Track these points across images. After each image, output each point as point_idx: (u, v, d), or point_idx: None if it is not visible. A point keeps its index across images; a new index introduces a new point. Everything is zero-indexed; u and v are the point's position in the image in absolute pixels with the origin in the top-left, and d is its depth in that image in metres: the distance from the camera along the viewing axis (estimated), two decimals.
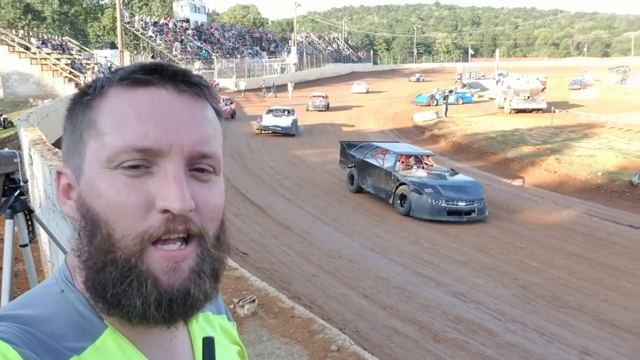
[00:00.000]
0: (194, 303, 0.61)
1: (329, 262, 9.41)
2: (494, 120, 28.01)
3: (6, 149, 3.05)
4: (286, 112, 25.66)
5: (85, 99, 0.64)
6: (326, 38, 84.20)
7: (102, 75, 0.67)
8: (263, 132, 24.42)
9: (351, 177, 15.17)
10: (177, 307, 0.60)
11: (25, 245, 2.72)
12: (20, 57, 30.05)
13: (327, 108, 34.00)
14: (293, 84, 43.70)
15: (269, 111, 25.87)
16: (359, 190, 14.71)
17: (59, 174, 0.68)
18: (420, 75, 62.47)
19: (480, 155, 20.86)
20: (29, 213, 2.73)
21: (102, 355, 0.60)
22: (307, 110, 32.88)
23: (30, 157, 5.84)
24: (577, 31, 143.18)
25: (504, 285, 8.80)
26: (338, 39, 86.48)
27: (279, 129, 24.14)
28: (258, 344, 3.74)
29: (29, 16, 45.82)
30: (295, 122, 24.88)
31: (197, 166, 0.62)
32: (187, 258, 0.61)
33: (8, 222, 2.65)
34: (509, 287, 8.69)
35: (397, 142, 19.57)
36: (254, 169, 17.59)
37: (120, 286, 0.58)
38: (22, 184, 2.68)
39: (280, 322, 4.02)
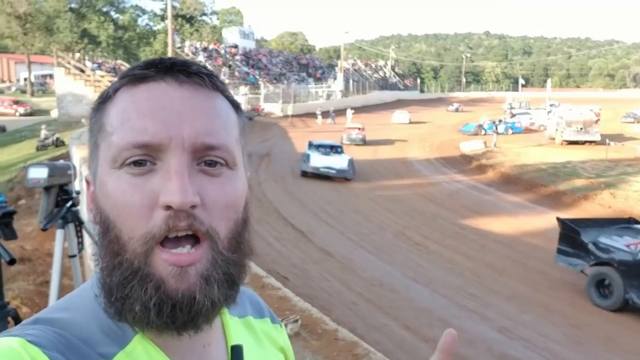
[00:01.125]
0: (200, 310, 0.57)
1: (370, 290, 9.20)
2: (545, 151, 27.25)
3: (61, 161, 3.12)
4: (336, 149, 21.82)
5: (97, 104, 0.64)
6: (373, 65, 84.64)
7: None
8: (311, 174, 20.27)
9: (604, 284, 9.24)
10: (181, 313, 0.57)
11: (74, 256, 2.76)
12: (75, 79, 31.49)
13: (364, 142, 29.77)
14: (353, 110, 42.55)
15: (314, 147, 21.70)
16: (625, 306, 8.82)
17: (87, 183, 0.67)
18: (459, 105, 60.34)
19: (529, 187, 20.24)
20: (79, 224, 2.75)
21: None
22: (341, 143, 26.85)
23: (81, 173, 6.01)
24: (634, 62, 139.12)
25: (554, 323, 8.37)
26: (384, 67, 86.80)
27: (333, 171, 19.98)
28: None
29: (85, 40, 48.08)
30: (351, 162, 20.75)
31: (207, 159, 0.59)
32: (194, 263, 0.57)
33: (59, 232, 2.68)
34: (559, 326, 8.26)
35: None
36: (297, 194, 17.60)
37: (123, 290, 0.57)
38: (74, 195, 2.71)
39: (324, 343, 3.91)
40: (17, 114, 41.33)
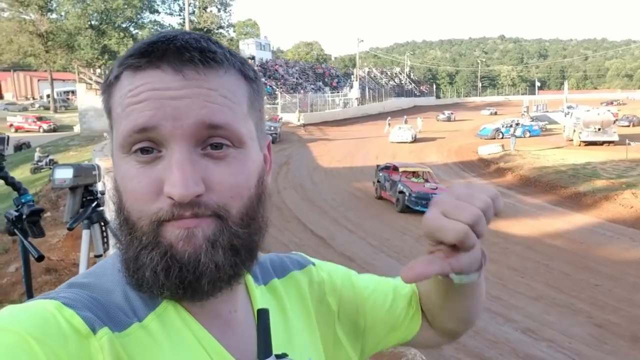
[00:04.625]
0: (204, 271, 0.59)
1: None
2: (563, 153, 27.03)
3: (86, 162, 3.18)
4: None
5: (105, 85, 0.65)
6: (388, 73, 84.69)
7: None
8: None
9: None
10: (187, 274, 0.59)
11: (99, 256, 2.81)
12: (96, 94, 32.08)
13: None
14: (422, 119, 42.62)
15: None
16: None
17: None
18: (451, 113, 55.74)
19: (549, 189, 20.09)
20: (104, 224, 2.83)
21: (164, 323, 0.61)
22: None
23: (104, 183, 6.19)
24: None
25: (579, 323, 8.33)
26: (400, 74, 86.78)
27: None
28: None
29: (106, 56, 48.84)
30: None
31: (211, 142, 0.60)
32: (200, 225, 0.59)
33: (85, 233, 2.73)
34: (584, 326, 8.22)
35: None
36: (317, 201, 17.70)
37: (137, 262, 0.60)
38: (99, 195, 2.80)
39: None
40: (41, 130, 42.12)
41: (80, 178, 2.68)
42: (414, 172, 18.34)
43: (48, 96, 56.87)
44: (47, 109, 54.72)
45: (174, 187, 0.57)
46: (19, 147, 33.40)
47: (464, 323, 0.91)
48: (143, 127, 0.58)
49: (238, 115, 0.62)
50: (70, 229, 2.69)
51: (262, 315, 0.66)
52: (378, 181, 18.73)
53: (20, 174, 24.45)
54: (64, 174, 2.63)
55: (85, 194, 2.74)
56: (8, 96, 66.91)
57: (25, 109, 54.78)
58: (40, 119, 44.60)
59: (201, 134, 0.59)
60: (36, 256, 2.26)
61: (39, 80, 66.53)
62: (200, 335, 0.63)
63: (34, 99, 65.24)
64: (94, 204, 2.77)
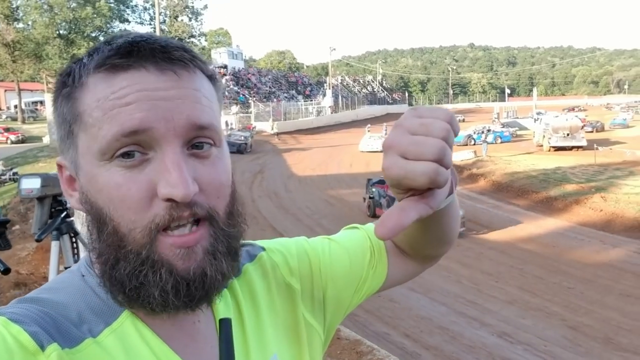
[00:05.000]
0: (212, 284, 0.59)
1: (368, 300, 9.09)
2: (534, 158, 27.52)
3: (54, 171, 3.08)
4: None
5: (65, 91, 0.60)
6: (361, 81, 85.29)
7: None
8: None
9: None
10: (196, 290, 0.58)
11: (69, 267, 2.73)
12: None
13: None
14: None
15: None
16: None
17: (59, 166, 0.65)
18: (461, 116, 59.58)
19: (521, 193, 20.41)
20: (74, 235, 2.74)
21: (119, 337, 0.59)
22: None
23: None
24: (617, 68, 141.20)
25: (553, 326, 8.43)
26: (372, 82, 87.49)
27: None
28: None
29: None
30: None
31: (196, 142, 0.59)
32: (199, 241, 0.58)
33: (54, 244, 2.65)
34: (558, 328, 8.32)
35: None
36: (291, 209, 17.64)
37: (137, 280, 0.57)
38: (68, 205, 2.70)
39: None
40: (9, 141, 41.06)
41: (49, 188, 2.61)
42: None
43: (15, 107, 55.53)
44: (15, 120, 53.38)
45: (174, 188, 0.54)
46: None
47: (445, 244, 0.85)
48: (134, 129, 0.55)
49: (216, 115, 0.62)
50: (38, 240, 2.63)
51: (224, 326, 0.63)
52: (371, 197, 16.88)
53: None
54: (31, 184, 2.55)
55: (54, 204, 2.68)
56: None
57: None
58: (7, 130, 43.48)
59: (190, 135, 0.58)
60: (2, 269, 2.18)
61: (5, 90, 64.99)
62: (159, 351, 0.60)
63: (0, 110, 63.74)
64: (63, 215, 2.71)
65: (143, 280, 0.56)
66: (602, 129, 41.50)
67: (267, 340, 0.73)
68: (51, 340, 0.53)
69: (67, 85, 0.60)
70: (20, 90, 51.20)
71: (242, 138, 32.76)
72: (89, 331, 0.57)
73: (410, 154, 0.53)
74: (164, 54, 0.58)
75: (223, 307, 0.70)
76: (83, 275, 0.63)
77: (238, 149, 30.80)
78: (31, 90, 61.17)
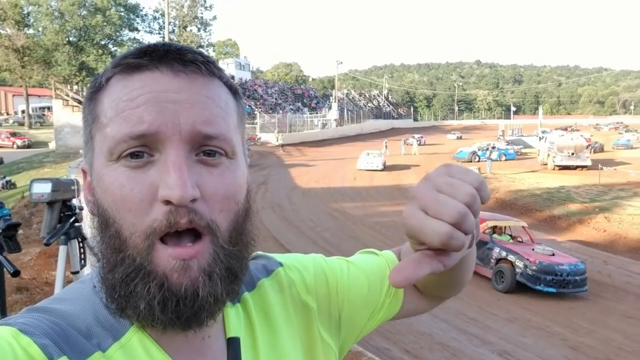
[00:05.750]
0: (203, 305, 0.57)
1: None
2: (538, 177, 27.49)
3: (64, 176, 3.13)
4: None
5: (89, 93, 0.62)
6: (367, 95, 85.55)
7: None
8: None
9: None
10: (185, 308, 0.56)
11: (76, 273, 2.75)
12: (73, 111, 31.75)
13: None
14: (419, 139, 42.82)
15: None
16: None
17: (83, 172, 0.66)
18: (421, 137, 49.86)
19: (525, 212, 20.36)
20: (82, 240, 2.76)
21: (127, 352, 0.58)
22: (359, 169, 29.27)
23: (80, 200, 6.09)
24: (623, 89, 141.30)
25: (554, 345, 8.38)
26: (378, 96, 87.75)
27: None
28: None
29: (84, 73, 48.43)
30: None
31: (205, 149, 0.58)
32: (197, 256, 0.56)
33: (62, 249, 2.67)
34: (558, 348, 8.28)
35: None
36: (294, 221, 17.63)
37: (127, 288, 0.56)
38: (77, 211, 2.73)
39: None
40: (15, 146, 41.35)
41: (59, 193, 2.63)
42: (497, 227, 13.27)
43: (23, 112, 55.94)
44: (22, 124, 53.78)
45: (171, 189, 0.54)
46: None
47: (455, 289, 0.88)
48: (141, 133, 0.56)
49: (230, 126, 0.61)
50: (47, 244, 2.66)
51: (233, 345, 0.64)
52: None
53: None
54: (41, 189, 2.58)
55: (63, 209, 2.70)
56: None
57: None
58: (14, 134, 43.83)
59: (197, 141, 0.58)
60: (12, 271, 2.21)
61: (13, 95, 65.51)
62: None
63: (8, 114, 64.13)
64: (71, 220, 2.72)
65: (132, 290, 0.56)
66: (601, 150, 41.36)
67: (283, 356, 0.72)
68: (60, 354, 0.53)
69: (92, 87, 0.62)
70: (28, 95, 51.60)
71: None
72: (97, 345, 0.57)
73: (430, 210, 0.52)
74: (177, 56, 0.59)
75: (235, 322, 0.69)
76: (94, 287, 0.62)
77: None
78: (39, 96, 61.65)
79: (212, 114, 0.59)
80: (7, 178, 23.40)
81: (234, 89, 0.65)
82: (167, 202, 0.54)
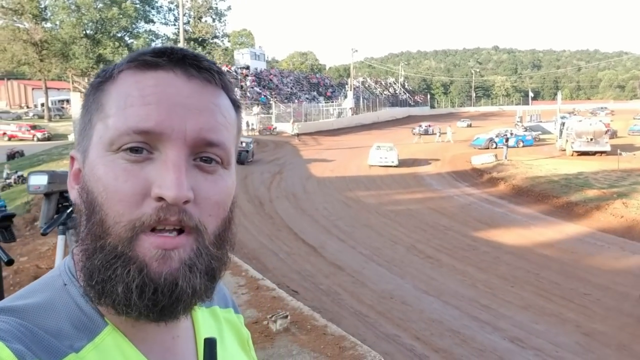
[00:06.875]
0: (180, 296, 0.58)
1: (381, 302, 9.24)
2: (556, 163, 27.15)
3: (62, 169, 3.19)
4: None
5: (97, 82, 0.63)
6: (383, 82, 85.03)
7: None
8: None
9: None
10: (162, 297, 0.57)
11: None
12: None
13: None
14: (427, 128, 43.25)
15: None
16: None
17: (71, 158, 0.67)
18: (429, 126, 48.95)
19: (541, 198, 20.15)
20: None
21: (101, 353, 0.58)
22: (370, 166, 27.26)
23: None
24: None
25: (566, 332, 8.33)
26: (394, 83, 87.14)
27: None
28: (287, 357, 3.73)
29: (101, 65, 48.83)
30: None
31: (203, 155, 0.60)
32: (178, 247, 0.58)
33: (60, 238, 2.75)
34: (571, 335, 8.22)
35: None
36: (308, 210, 17.68)
37: (106, 272, 0.56)
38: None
39: (312, 338, 4.02)
40: (35, 139, 41.97)
41: (55, 184, 2.68)
42: None
43: (42, 105, 56.78)
44: (42, 117, 54.57)
45: (168, 189, 0.55)
46: (12, 156, 33.31)
47: None
48: (146, 130, 0.57)
49: (230, 137, 0.64)
50: (44, 234, 2.71)
51: (210, 346, 0.65)
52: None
53: None
54: (38, 181, 2.64)
55: (60, 200, 2.75)
56: (2, 104, 66.76)
57: (19, 117, 54.61)
58: (34, 127, 44.46)
59: (199, 147, 0.59)
60: (5, 260, 2.27)
61: (33, 88, 66.44)
62: None
63: (27, 107, 65.07)
64: (69, 210, 2.78)
65: (111, 274, 0.56)
66: (614, 136, 40.48)
67: None
68: (34, 358, 0.52)
69: (99, 77, 0.63)
70: (47, 88, 52.32)
71: (243, 145, 27.04)
72: (70, 346, 0.56)
73: None
74: (194, 62, 0.61)
75: (204, 325, 0.72)
76: (65, 284, 0.62)
77: (237, 158, 26.62)
78: (58, 89, 62.51)
79: (217, 123, 0.61)
80: (19, 173, 23.83)
81: (237, 104, 0.68)
82: (160, 199, 0.56)
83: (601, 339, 8.05)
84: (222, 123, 0.62)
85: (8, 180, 23.30)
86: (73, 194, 0.64)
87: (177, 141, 0.58)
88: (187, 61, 0.61)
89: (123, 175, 0.57)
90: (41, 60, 47.83)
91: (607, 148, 28.93)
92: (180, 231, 0.58)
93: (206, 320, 0.74)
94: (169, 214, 0.56)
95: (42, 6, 48.05)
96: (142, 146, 0.58)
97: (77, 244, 0.62)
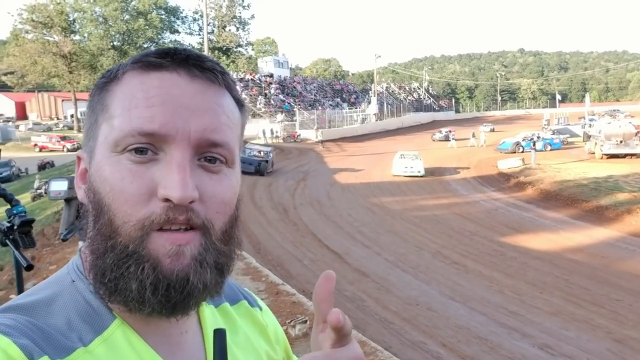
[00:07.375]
0: (192, 291, 0.59)
1: (406, 309, 9.15)
2: (585, 166, 26.62)
3: None
4: None
5: (101, 82, 0.64)
6: (407, 88, 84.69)
7: None
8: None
9: None
10: (175, 293, 0.58)
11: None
12: None
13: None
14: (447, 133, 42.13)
15: None
16: None
17: (78, 159, 0.68)
18: (449, 131, 45.87)
19: (570, 202, 19.76)
20: None
21: (110, 347, 0.59)
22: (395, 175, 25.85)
23: None
24: None
25: (598, 338, 8.12)
26: (419, 88, 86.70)
27: None
28: None
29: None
30: None
31: (208, 155, 0.61)
32: (189, 243, 0.58)
33: (81, 244, 2.79)
34: (602, 341, 8.01)
35: None
36: (332, 216, 17.65)
37: (118, 271, 0.57)
38: None
39: None
40: (65, 149, 42.95)
41: (75, 190, 2.72)
42: None
43: (72, 116, 58.07)
44: (71, 128, 55.80)
45: (173, 190, 0.56)
46: (42, 167, 34.08)
47: None
48: (151, 132, 0.58)
49: (234, 136, 0.64)
50: (64, 240, 2.73)
51: (219, 336, 0.64)
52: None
53: (22, 201, 24.75)
54: (59, 187, 2.68)
55: (80, 205, 2.78)
56: (32, 116, 68.54)
57: (49, 129, 55.95)
58: (64, 138, 45.50)
59: (203, 147, 0.60)
60: (25, 265, 2.31)
61: (63, 100, 68.02)
62: (149, 359, 0.61)
63: (58, 119, 66.65)
64: None
65: (124, 272, 0.57)
66: None
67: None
68: (42, 353, 0.53)
69: (104, 77, 0.64)
70: (76, 100, 53.51)
71: (262, 154, 26.05)
72: (79, 340, 0.57)
73: None
74: (197, 62, 0.61)
75: (212, 320, 0.73)
76: (73, 281, 0.63)
77: (256, 169, 24.63)
78: (86, 100, 63.84)
79: (221, 123, 0.61)
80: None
81: (241, 103, 0.68)
82: (166, 200, 0.57)
83: (634, 346, 7.82)
84: (226, 123, 0.62)
85: (39, 191, 23.85)
86: (80, 194, 0.66)
87: (182, 142, 0.58)
88: (191, 62, 0.61)
89: (129, 177, 0.57)
90: (70, 72, 49.00)
91: (638, 150, 28.26)
92: (188, 228, 0.59)
93: (215, 317, 0.75)
94: (177, 214, 0.57)
95: (71, 19, 49.30)
96: (147, 147, 0.58)
97: (85, 243, 0.63)
